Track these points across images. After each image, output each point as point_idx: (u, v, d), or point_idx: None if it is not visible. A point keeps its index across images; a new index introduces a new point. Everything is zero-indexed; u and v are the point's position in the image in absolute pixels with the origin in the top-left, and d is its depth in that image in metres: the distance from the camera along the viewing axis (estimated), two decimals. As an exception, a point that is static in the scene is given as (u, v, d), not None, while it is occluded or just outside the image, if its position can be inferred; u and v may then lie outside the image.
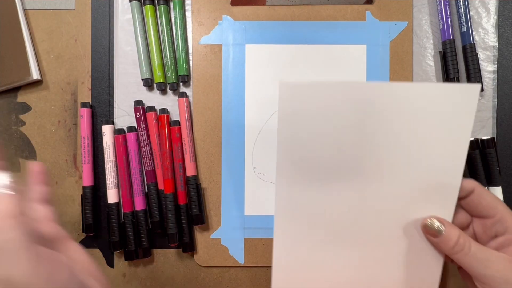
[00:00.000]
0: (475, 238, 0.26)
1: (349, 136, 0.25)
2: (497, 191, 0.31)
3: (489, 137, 0.31)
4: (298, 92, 0.25)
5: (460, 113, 0.24)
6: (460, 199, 0.25)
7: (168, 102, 0.34)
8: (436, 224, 0.24)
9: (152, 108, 0.33)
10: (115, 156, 0.33)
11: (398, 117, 0.24)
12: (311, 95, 0.25)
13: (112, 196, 0.32)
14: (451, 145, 0.24)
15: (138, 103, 0.33)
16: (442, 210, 0.25)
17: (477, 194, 0.25)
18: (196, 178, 0.33)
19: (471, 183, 0.25)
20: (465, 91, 0.23)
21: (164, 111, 0.33)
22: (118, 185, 0.33)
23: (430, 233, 0.25)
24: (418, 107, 0.24)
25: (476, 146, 0.31)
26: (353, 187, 0.26)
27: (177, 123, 0.33)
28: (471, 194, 0.25)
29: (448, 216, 0.25)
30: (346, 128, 0.25)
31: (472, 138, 0.32)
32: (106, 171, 0.32)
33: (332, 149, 0.25)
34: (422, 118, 0.24)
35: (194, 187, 0.32)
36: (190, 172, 0.32)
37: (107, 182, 0.32)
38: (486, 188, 0.30)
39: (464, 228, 0.26)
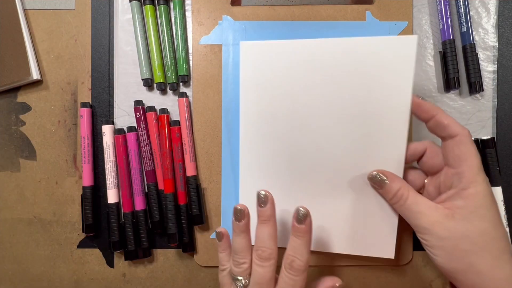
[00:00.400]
0: (438, 187, 0.26)
1: (304, 90, 0.28)
2: (497, 191, 0.31)
3: (489, 137, 0.31)
4: (258, 50, 0.27)
5: (401, 63, 0.26)
6: (442, 140, 0.25)
7: (168, 102, 0.34)
8: (380, 177, 0.26)
9: (152, 108, 0.33)
10: (115, 156, 0.33)
11: (347, 70, 0.27)
12: (269, 53, 0.27)
13: (112, 196, 0.32)
14: (395, 95, 0.26)
15: (138, 103, 0.33)
16: (393, 160, 0.27)
17: (456, 141, 0.24)
18: (196, 178, 0.33)
19: (458, 129, 0.24)
20: (404, 42, 0.25)
21: (164, 111, 0.33)
22: (118, 185, 0.33)
23: (375, 184, 0.26)
24: (364, 59, 0.26)
25: (476, 146, 0.31)
26: (310, 140, 0.28)
27: (177, 123, 0.33)
28: (450, 139, 0.24)
29: (399, 165, 0.26)
30: (300, 83, 0.27)
31: (472, 138, 0.32)
32: (106, 171, 0.32)
33: (289, 101, 0.28)
34: (369, 70, 0.26)
35: (194, 187, 0.32)
36: (190, 172, 0.32)
37: (107, 182, 0.32)
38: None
39: (434, 174, 0.26)
